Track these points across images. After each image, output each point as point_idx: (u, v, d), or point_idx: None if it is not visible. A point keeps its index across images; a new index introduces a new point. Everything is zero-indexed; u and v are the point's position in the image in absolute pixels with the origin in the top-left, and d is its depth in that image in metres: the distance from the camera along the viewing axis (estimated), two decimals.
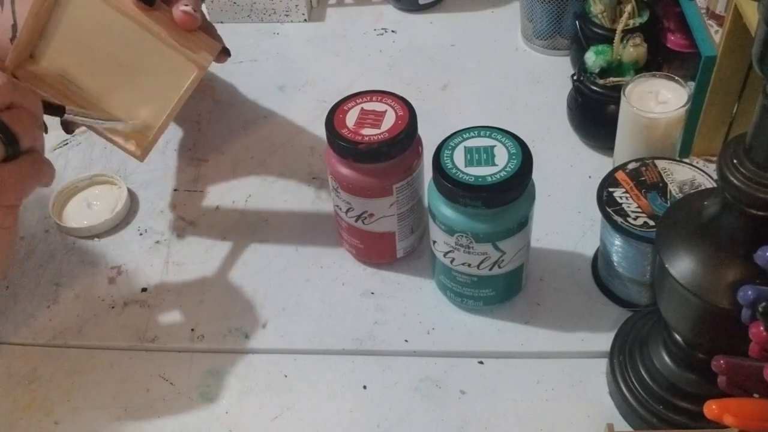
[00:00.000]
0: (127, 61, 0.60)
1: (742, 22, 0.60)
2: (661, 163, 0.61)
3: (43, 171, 0.53)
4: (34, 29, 0.60)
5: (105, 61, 0.61)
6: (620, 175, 0.60)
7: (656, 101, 0.65)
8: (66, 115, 0.57)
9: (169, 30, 0.58)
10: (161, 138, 0.63)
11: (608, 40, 0.72)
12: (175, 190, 0.75)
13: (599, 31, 0.74)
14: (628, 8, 0.72)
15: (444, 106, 0.81)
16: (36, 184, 0.52)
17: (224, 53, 0.64)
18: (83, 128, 0.63)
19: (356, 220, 0.62)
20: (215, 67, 0.88)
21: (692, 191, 0.58)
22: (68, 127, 0.63)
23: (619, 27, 0.71)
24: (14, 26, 0.71)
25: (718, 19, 0.67)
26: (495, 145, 0.56)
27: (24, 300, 0.67)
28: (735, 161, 0.42)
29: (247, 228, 0.71)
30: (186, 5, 0.58)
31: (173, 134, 0.81)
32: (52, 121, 0.58)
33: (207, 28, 0.62)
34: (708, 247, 0.46)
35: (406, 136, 0.58)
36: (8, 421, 0.59)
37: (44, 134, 0.54)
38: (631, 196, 0.59)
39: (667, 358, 0.54)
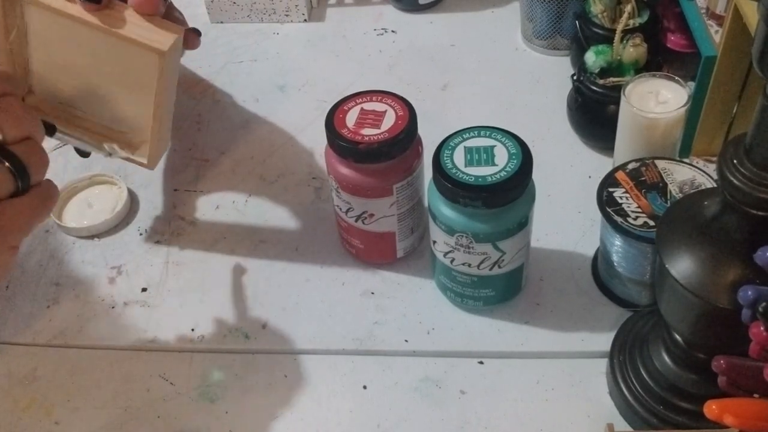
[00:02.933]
0: (101, 70, 0.58)
1: (742, 22, 0.60)
2: (661, 163, 0.61)
3: (50, 204, 0.50)
4: (12, 65, 0.58)
5: (86, 76, 0.59)
6: (620, 175, 0.60)
7: (656, 101, 0.65)
8: (56, 134, 0.56)
9: (123, 24, 0.55)
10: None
11: (608, 40, 0.72)
12: (175, 190, 0.75)
13: (599, 31, 0.74)
14: (628, 8, 0.72)
15: (444, 106, 0.81)
16: (43, 219, 0.49)
17: (194, 34, 0.63)
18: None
19: (356, 220, 0.62)
20: (215, 67, 0.88)
21: (692, 191, 0.58)
22: (82, 153, 0.63)
23: (619, 27, 0.71)
24: None
25: (718, 19, 0.67)
26: (495, 145, 0.56)
27: (24, 300, 0.67)
28: (735, 161, 0.42)
29: (247, 228, 0.71)
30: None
31: (173, 134, 0.81)
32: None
33: (174, 18, 0.60)
34: (708, 247, 0.46)
35: (406, 136, 0.58)
36: (8, 421, 0.59)
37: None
38: (631, 196, 0.59)
39: (667, 358, 0.54)
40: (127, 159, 0.62)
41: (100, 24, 0.55)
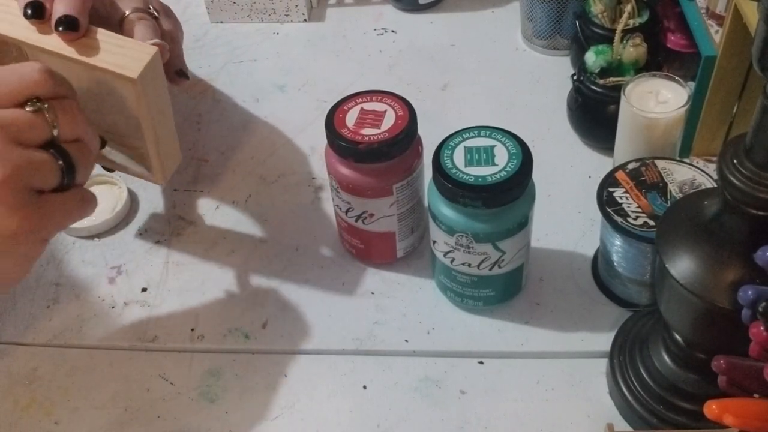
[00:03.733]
0: (92, 100, 0.58)
1: (742, 22, 0.60)
2: (661, 163, 0.61)
3: (87, 208, 0.52)
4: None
5: (85, 101, 0.57)
6: (620, 175, 0.60)
7: (656, 101, 0.65)
8: (103, 149, 0.58)
9: (95, 52, 0.54)
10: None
11: (608, 40, 0.72)
12: (175, 190, 0.75)
13: (599, 31, 0.74)
14: (628, 8, 0.72)
15: (444, 106, 0.81)
16: (77, 220, 0.51)
17: (180, 76, 0.64)
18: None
19: (356, 220, 0.62)
20: (215, 67, 0.88)
21: (692, 191, 0.58)
22: (107, 168, 0.64)
23: (619, 27, 0.71)
24: None
25: (718, 19, 0.67)
26: (495, 145, 0.56)
27: (24, 300, 0.67)
28: (735, 161, 0.42)
29: (247, 228, 0.71)
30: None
31: None
32: None
33: (164, 30, 0.61)
34: (708, 247, 0.46)
35: (406, 136, 0.58)
36: (8, 421, 0.59)
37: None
38: (631, 196, 0.59)
39: (667, 358, 0.54)
40: (137, 175, 0.62)
41: (75, 55, 0.54)
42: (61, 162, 0.48)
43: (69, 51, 0.54)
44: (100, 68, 0.54)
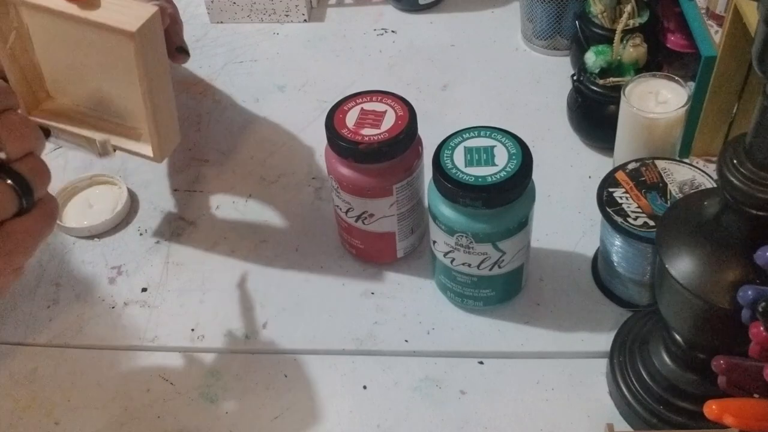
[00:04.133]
0: (90, 62, 0.57)
1: (742, 22, 0.60)
2: (661, 163, 0.61)
3: (54, 219, 0.47)
4: (20, 71, 0.58)
5: (86, 72, 0.58)
6: (620, 175, 0.60)
7: (656, 101, 0.65)
8: (50, 139, 0.54)
9: (95, 9, 0.54)
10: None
11: (608, 40, 0.72)
12: (175, 190, 0.75)
13: (599, 31, 0.74)
14: (628, 8, 0.72)
15: (444, 106, 0.81)
16: (47, 235, 0.46)
17: (181, 53, 0.63)
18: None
19: (356, 220, 0.62)
20: (215, 67, 0.88)
21: (692, 191, 0.58)
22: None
23: (619, 27, 0.71)
24: None
25: (718, 19, 0.67)
26: (495, 145, 0.56)
27: (24, 300, 0.67)
28: (735, 161, 0.42)
29: (247, 228, 0.71)
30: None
31: None
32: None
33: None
34: (708, 247, 0.46)
35: (406, 136, 0.58)
36: (8, 421, 0.59)
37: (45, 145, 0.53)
38: (631, 196, 0.59)
39: (667, 358, 0.54)
40: (135, 153, 0.61)
41: (74, 13, 0.54)
42: (11, 183, 0.43)
43: (69, 8, 0.54)
44: (99, 24, 0.53)
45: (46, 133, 0.52)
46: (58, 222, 0.71)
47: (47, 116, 0.61)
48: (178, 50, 0.64)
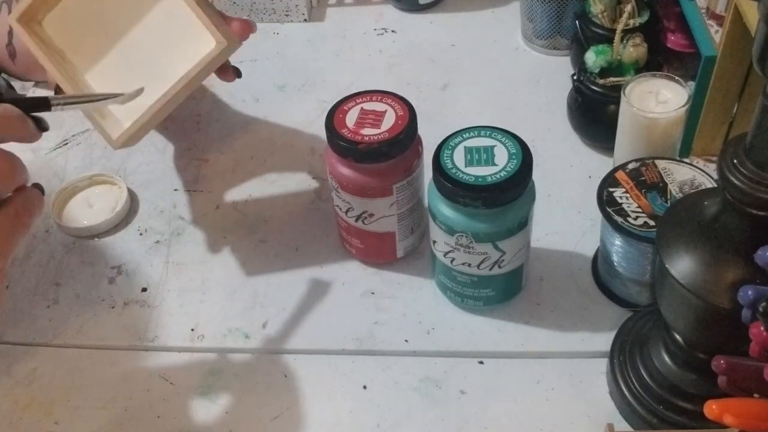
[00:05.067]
0: (138, 34, 0.57)
1: (742, 22, 0.60)
2: (661, 163, 0.61)
3: (28, 216, 0.44)
4: None
5: (113, 38, 0.57)
6: (620, 175, 0.60)
7: (656, 101, 0.65)
8: (54, 108, 0.51)
9: (202, 3, 0.56)
10: (160, 138, 0.62)
11: (608, 40, 0.72)
12: (175, 190, 0.75)
13: (599, 31, 0.74)
14: (628, 8, 0.72)
15: (444, 106, 0.81)
16: (24, 233, 0.44)
17: (235, 73, 0.65)
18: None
19: (356, 220, 0.62)
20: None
21: (692, 191, 0.58)
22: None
23: (619, 27, 0.71)
24: (10, 33, 0.70)
25: (718, 19, 0.67)
26: (495, 145, 0.56)
27: (24, 300, 0.67)
28: (735, 161, 0.42)
29: (247, 228, 0.71)
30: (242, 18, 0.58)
31: (173, 134, 0.81)
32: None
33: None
34: (708, 247, 0.46)
35: (406, 136, 0.58)
36: (8, 421, 0.59)
37: (40, 135, 0.51)
38: (631, 196, 0.59)
39: (667, 358, 0.54)
40: (98, 126, 0.60)
41: None
42: None
43: None
44: (203, 17, 0.55)
45: (45, 103, 0.49)
46: (58, 222, 0.71)
47: (33, 36, 0.60)
48: (233, 68, 0.66)
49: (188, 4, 0.56)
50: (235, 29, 0.58)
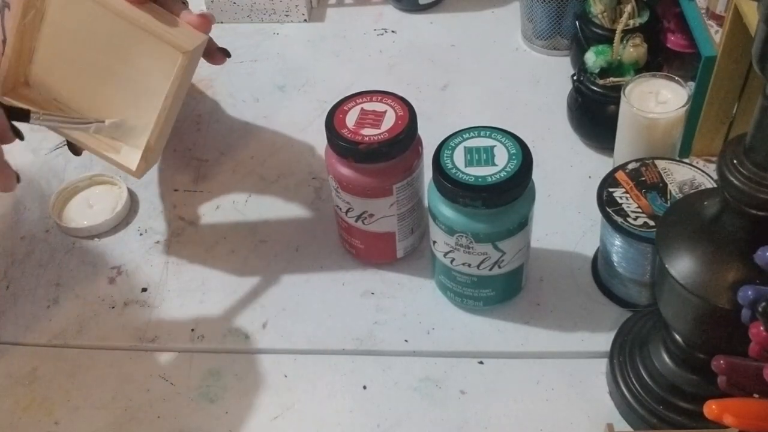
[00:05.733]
0: (113, 65, 0.58)
1: (742, 22, 0.60)
2: (661, 163, 0.61)
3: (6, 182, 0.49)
4: (19, 50, 0.58)
5: (93, 71, 0.58)
6: (620, 175, 0.60)
7: (656, 101, 0.65)
8: (32, 120, 0.55)
9: (151, 18, 0.56)
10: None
11: (608, 40, 0.72)
12: (175, 190, 0.75)
13: (599, 31, 0.74)
14: (628, 8, 0.72)
15: (444, 106, 0.81)
16: None
17: (222, 53, 0.64)
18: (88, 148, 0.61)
19: (356, 220, 0.62)
20: (215, 68, 0.88)
21: (692, 191, 0.58)
22: (76, 149, 0.62)
23: (619, 27, 0.71)
24: (4, 41, 0.70)
25: (718, 19, 0.67)
26: (495, 145, 0.56)
27: (24, 300, 0.67)
28: (735, 161, 0.42)
29: (247, 228, 0.71)
30: (197, 12, 0.57)
31: (173, 134, 0.80)
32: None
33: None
34: (708, 247, 0.46)
35: (406, 136, 0.58)
36: (8, 421, 0.59)
37: (14, 139, 0.53)
38: (631, 196, 0.59)
39: (667, 358, 0.54)
40: (114, 163, 0.61)
41: (129, 13, 0.55)
42: None
43: (125, 9, 0.55)
44: (156, 33, 0.55)
45: (25, 114, 0.53)
46: (58, 222, 0.71)
47: (23, 101, 0.60)
48: (220, 50, 0.64)
49: (141, 26, 0.55)
50: (193, 24, 0.57)
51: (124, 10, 0.55)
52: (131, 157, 0.61)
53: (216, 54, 0.64)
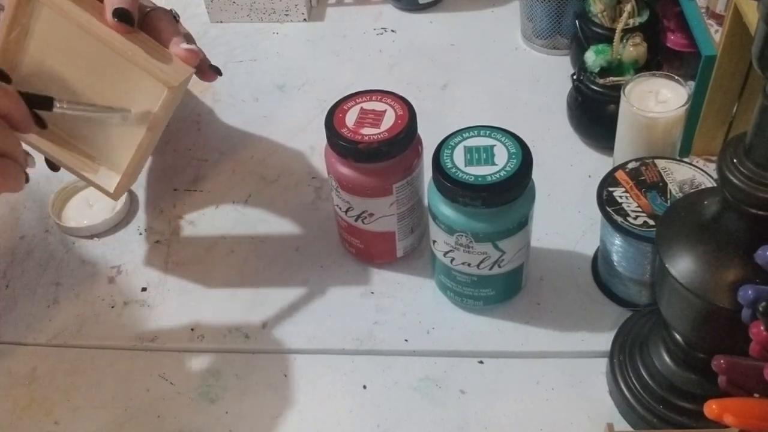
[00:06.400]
0: (96, 89, 0.57)
1: (742, 22, 0.60)
2: (661, 163, 0.61)
3: (9, 179, 0.49)
4: (1, 64, 0.57)
5: (77, 90, 0.58)
6: (620, 175, 0.60)
7: (656, 101, 0.65)
8: (55, 109, 0.54)
9: (138, 49, 0.55)
10: (160, 139, 0.62)
11: (608, 39, 0.72)
12: (175, 190, 0.75)
13: (599, 30, 0.74)
14: (628, 8, 0.72)
15: (444, 106, 0.81)
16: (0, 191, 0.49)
17: (214, 71, 0.64)
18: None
19: (356, 220, 0.62)
20: None
21: (692, 191, 0.58)
22: (53, 166, 0.61)
23: (619, 26, 0.71)
24: None
25: (718, 19, 0.67)
26: (495, 145, 0.56)
27: (24, 300, 0.67)
28: (735, 161, 0.42)
29: (247, 228, 0.71)
30: (185, 43, 0.57)
31: (173, 134, 0.81)
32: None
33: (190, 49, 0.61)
34: (708, 247, 0.46)
35: (406, 135, 0.58)
36: (8, 421, 0.59)
37: (35, 129, 0.52)
38: (631, 196, 0.59)
39: (667, 358, 0.54)
40: (91, 183, 0.61)
41: (117, 44, 0.54)
42: None
43: (110, 37, 0.54)
44: (142, 65, 0.54)
45: (48, 102, 0.52)
46: (58, 222, 0.71)
47: None
48: (212, 68, 0.64)
49: (128, 58, 0.55)
50: (180, 57, 0.57)
51: (112, 39, 0.54)
52: (109, 179, 0.60)
53: (208, 72, 0.64)
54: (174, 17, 0.60)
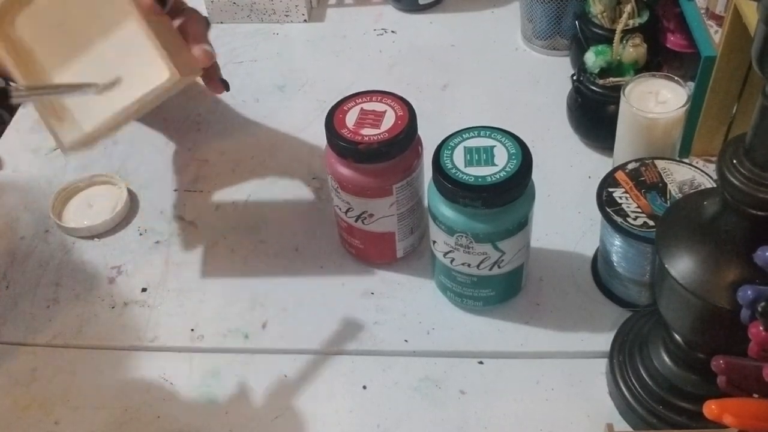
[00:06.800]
0: (98, 40, 0.57)
1: (742, 22, 0.60)
2: (660, 163, 0.61)
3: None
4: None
5: (80, 50, 0.58)
6: (620, 175, 0.61)
7: (656, 101, 0.65)
8: (13, 100, 0.51)
9: (161, 30, 0.56)
10: (160, 138, 0.62)
11: (608, 40, 0.72)
12: (175, 190, 0.75)
13: (599, 31, 0.74)
14: (628, 8, 0.72)
15: (444, 106, 0.81)
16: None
17: (223, 85, 0.65)
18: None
19: (356, 220, 0.62)
20: None
21: (692, 191, 0.58)
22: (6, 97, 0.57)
23: (619, 27, 0.71)
24: None
25: (718, 19, 0.67)
26: (495, 145, 0.56)
27: (24, 300, 0.67)
28: (735, 161, 0.42)
29: (247, 228, 0.71)
30: (207, 45, 0.59)
31: (173, 134, 0.81)
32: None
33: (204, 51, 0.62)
34: (708, 247, 0.46)
35: (406, 136, 0.58)
36: (8, 421, 0.59)
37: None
38: (630, 196, 0.59)
39: (667, 358, 0.54)
40: (51, 131, 0.59)
41: (144, 21, 0.55)
42: None
43: (143, 16, 0.56)
44: (157, 46, 0.55)
45: (3, 93, 0.50)
46: (58, 222, 0.71)
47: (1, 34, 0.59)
48: (222, 81, 0.66)
49: (147, 34, 0.55)
50: (195, 55, 0.59)
51: (140, 13, 0.55)
52: (71, 134, 0.59)
53: (217, 83, 0.65)
54: (207, 23, 0.63)
